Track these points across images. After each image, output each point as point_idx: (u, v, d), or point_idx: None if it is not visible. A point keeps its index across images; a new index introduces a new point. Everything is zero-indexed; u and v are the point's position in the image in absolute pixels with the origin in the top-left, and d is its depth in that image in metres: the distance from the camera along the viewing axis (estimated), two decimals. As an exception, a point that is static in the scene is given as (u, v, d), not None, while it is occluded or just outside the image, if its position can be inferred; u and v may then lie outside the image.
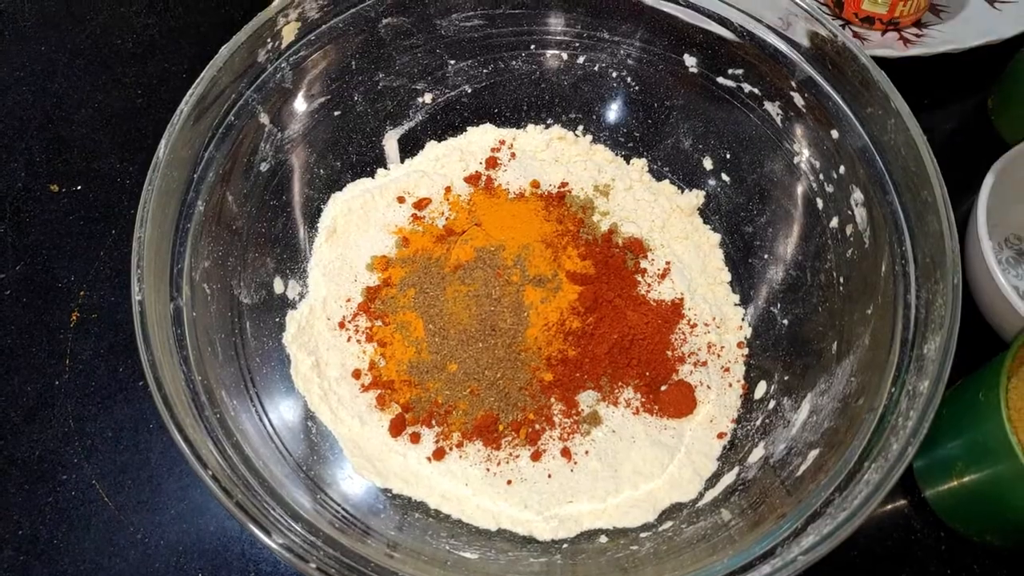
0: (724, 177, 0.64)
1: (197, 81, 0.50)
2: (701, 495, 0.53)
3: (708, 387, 0.57)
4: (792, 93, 0.57)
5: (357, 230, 0.62)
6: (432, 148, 0.66)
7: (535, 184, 0.65)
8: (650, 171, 0.67)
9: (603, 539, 0.51)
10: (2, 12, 0.77)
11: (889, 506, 0.57)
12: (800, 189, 0.58)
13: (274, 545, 0.39)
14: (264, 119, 0.55)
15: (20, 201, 0.68)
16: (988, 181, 0.59)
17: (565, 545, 0.51)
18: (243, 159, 0.55)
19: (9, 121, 0.72)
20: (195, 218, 0.50)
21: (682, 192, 0.66)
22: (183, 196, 0.50)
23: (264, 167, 0.57)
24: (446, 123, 0.67)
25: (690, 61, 0.62)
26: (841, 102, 0.54)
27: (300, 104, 0.58)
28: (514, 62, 0.65)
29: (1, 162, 0.69)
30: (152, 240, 0.46)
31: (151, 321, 0.44)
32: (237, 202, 0.55)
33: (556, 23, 0.64)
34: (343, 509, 0.48)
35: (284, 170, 0.59)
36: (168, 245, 0.48)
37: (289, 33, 0.55)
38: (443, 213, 0.63)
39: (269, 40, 0.54)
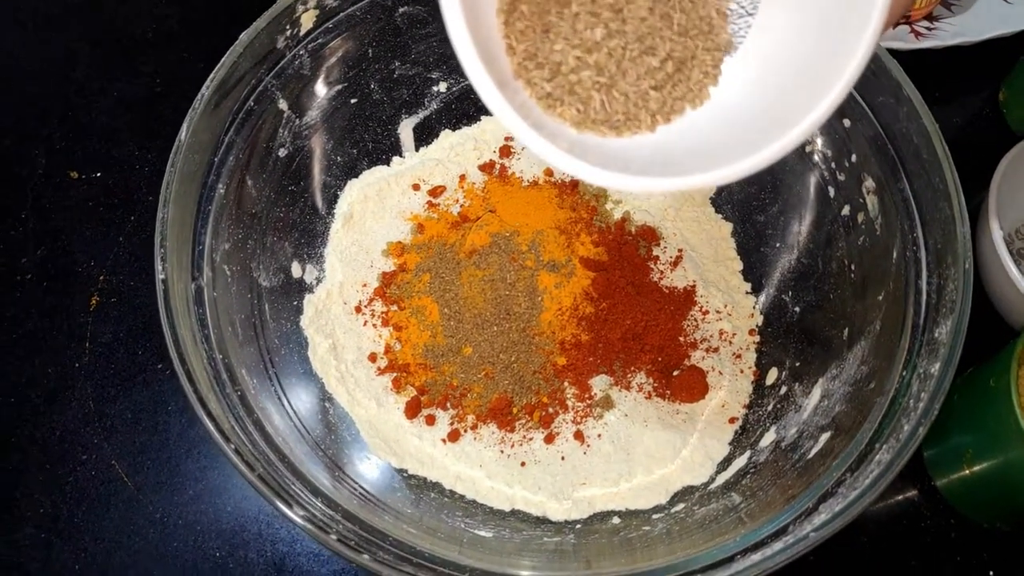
0: (736, 166, 0.64)
1: (218, 66, 0.51)
2: (713, 478, 0.53)
3: (720, 373, 0.57)
4: (804, 82, 0.57)
5: (373, 216, 0.63)
6: (447, 137, 0.67)
7: (548, 172, 0.65)
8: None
9: (616, 520, 0.52)
10: (25, 2, 0.78)
11: (900, 495, 0.57)
12: (812, 178, 0.59)
13: (296, 517, 0.40)
14: (283, 105, 0.56)
15: (41, 187, 0.69)
16: (999, 172, 0.59)
17: (578, 525, 0.52)
18: (262, 144, 0.56)
19: (31, 109, 0.73)
20: (216, 201, 0.51)
21: (694, 181, 0.66)
22: (204, 179, 0.51)
23: (282, 152, 0.58)
24: (461, 112, 0.67)
25: (703, 51, 0.62)
26: (852, 90, 0.54)
27: (318, 91, 0.59)
28: (529, 51, 0.66)
29: (23, 149, 0.70)
30: (175, 221, 0.47)
31: (174, 300, 0.45)
32: (256, 187, 0.55)
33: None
34: (360, 487, 0.49)
35: (302, 156, 0.60)
36: (190, 226, 0.49)
37: (308, 20, 0.55)
38: (458, 200, 0.64)
39: (288, 27, 0.54)
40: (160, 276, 0.45)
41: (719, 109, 0.35)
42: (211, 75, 0.51)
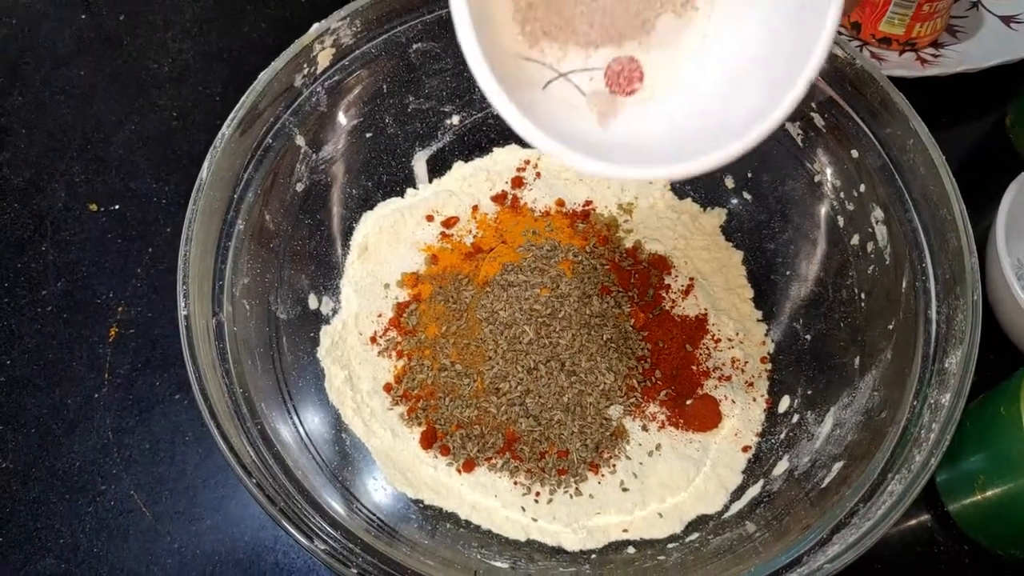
0: (746, 195, 0.65)
1: (238, 105, 0.52)
2: (727, 507, 0.54)
3: (733, 401, 0.58)
4: (812, 114, 0.58)
5: (388, 248, 0.64)
6: (460, 168, 0.68)
7: (560, 203, 0.66)
8: (672, 189, 0.68)
9: (631, 550, 0.52)
10: (43, 38, 0.80)
11: (913, 520, 0.57)
12: (821, 207, 0.60)
13: (319, 551, 0.41)
14: (300, 141, 0.57)
15: (61, 220, 0.70)
16: (1007, 198, 0.60)
17: (593, 555, 0.52)
18: (280, 179, 0.57)
19: (51, 143, 0.74)
20: (235, 236, 0.52)
21: (704, 210, 0.67)
22: (224, 215, 0.52)
23: (299, 187, 0.59)
24: (473, 144, 0.68)
25: (712, 83, 0.63)
26: (860, 122, 0.55)
27: (334, 126, 0.60)
28: (539, 84, 0.67)
29: (43, 182, 0.72)
30: (196, 258, 0.48)
31: (196, 335, 0.46)
32: (274, 221, 0.56)
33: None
34: (377, 518, 0.49)
35: (318, 190, 0.61)
36: (211, 262, 0.50)
37: (324, 59, 0.57)
38: (471, 231, 0.65)
39: (305, 66, 0.56)
40: (183, 312, 0.46)
41: (697, 98, 0.37)
42: (231, 114, 0.52)
